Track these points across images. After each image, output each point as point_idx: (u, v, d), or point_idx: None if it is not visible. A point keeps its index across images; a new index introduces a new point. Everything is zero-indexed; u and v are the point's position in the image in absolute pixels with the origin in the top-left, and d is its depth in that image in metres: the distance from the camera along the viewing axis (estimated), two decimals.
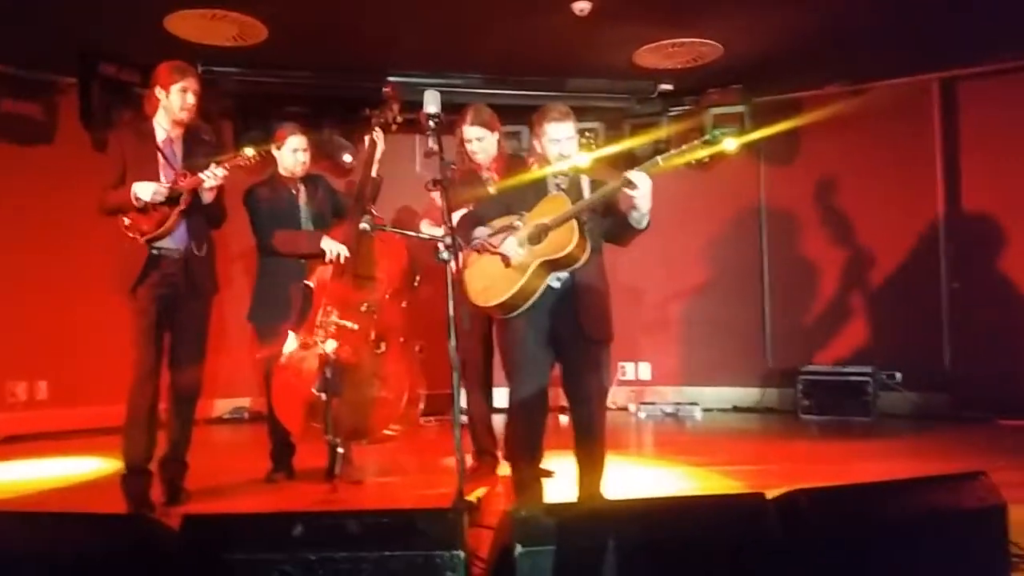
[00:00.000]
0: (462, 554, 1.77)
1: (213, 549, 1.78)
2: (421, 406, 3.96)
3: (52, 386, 5.63)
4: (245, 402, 6.05)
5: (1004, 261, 5.64)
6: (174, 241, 3.32)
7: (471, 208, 3.21)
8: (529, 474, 3.08)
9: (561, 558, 1.79)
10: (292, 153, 3.92)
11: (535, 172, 3.08)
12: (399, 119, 3.79)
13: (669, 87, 6.10)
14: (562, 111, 3.08)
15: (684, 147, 2.81)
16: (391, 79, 3.92)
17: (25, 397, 5.57)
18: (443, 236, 2.61)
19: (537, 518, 1.86)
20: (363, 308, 3.65)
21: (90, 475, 3.48)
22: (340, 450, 3.56)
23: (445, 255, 2.55)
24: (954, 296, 5.83)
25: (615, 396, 6.51)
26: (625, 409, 6.31)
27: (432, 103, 2.77)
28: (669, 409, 6.27)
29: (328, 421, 3.54)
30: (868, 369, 5.72)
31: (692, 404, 6.29)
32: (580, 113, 6.29)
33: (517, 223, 2.93)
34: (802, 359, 6.09)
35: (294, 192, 3.96)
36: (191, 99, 3.34)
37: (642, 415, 6.21)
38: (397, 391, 3.62)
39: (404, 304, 3.79)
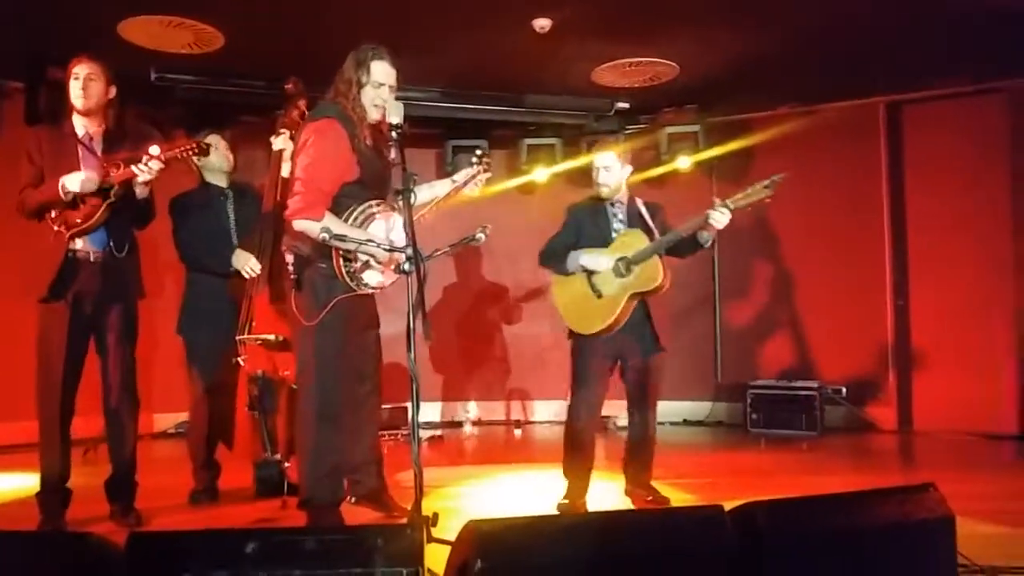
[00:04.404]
0: (420, 570, 1.75)
1: (161, 568, 1.72)
2: None
3: None
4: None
5: (947, 278, 5.83)
6: (92, 242, 3.18)
7: (550, 241, 3.55)
8: (586, 471, 3.49)
9: (520, 573, 1.78)
10: (221, 152, 3.86)
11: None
12: (307, 115, 3.60)
13: (626, 105, 6.19)
14: (605, 144, 3.49)
15: (749, 190, 3.18)
16: (294, 78, 3.72)
17: None
18: (404, 247, 2.58)
19: (497, 532, 1.85)
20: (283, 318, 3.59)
21: (30, 491, 3.35)
22: (287, 465, 3.52)
23: (407, 267, 2.53)
24: (898, 313, 6.01)
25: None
26: None
27: (395, 114, 2.75)
28: (621, 422, 6.30)
29: (264, 438, 3.53)
30: (814, 384, 5.84)
31: None
32: (538, 129, 6.40)
33: (480, 235, 2.90)
34: (751, 374, 6.21)
35: (222, 199, 3.88)
36: (81, 86, 3.17)
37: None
38: None
39: None
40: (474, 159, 3.12)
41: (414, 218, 2.74)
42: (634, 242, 3.35)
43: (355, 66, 2.95)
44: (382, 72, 2.94)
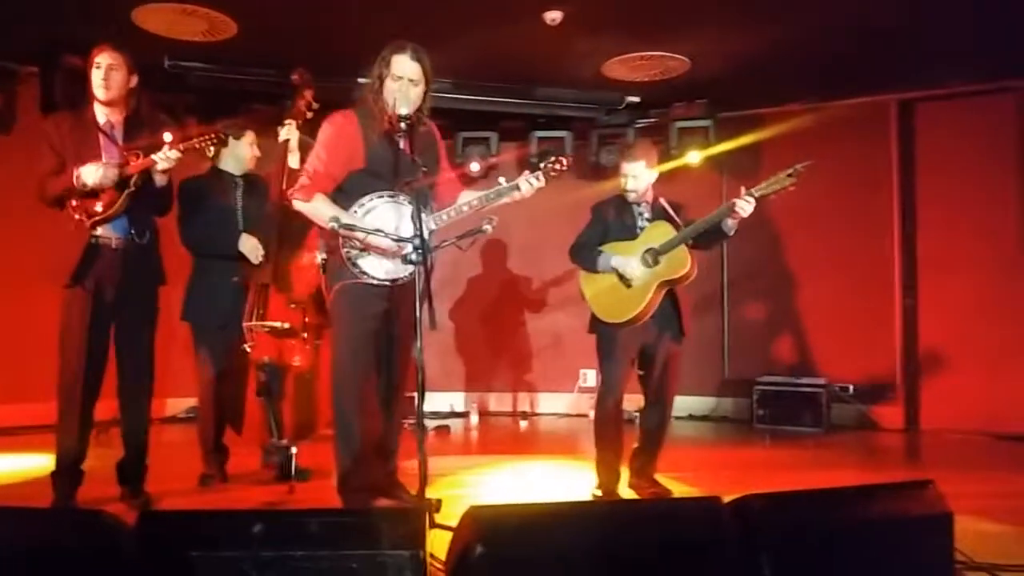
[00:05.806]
0: (422, 554, 1.78)
1: (170, 546, 1.76)
2: None
3: None
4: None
5: (956, 277, 5.81)
6: (114, 229, 3.20)
7: (579, 237, 3.60)
8: (616, 458, 3.54)
9: (521, 559, 1.81)
10: (249, 147, 3.90)
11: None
12: (315, 106, 3.67)
13: (636, 99, 6.18)
14: (635, 152, 3.53)
15: (772, 179, 3.27)
16: (301, 69, 3.79)
17: None
18: (412, 238, 2.61)
19: (497, 518, 1.88)
20: (291, 306, 3.62)
21: (39, 471, 3.41)
22: (294, 450, 3.55)
23: (414, 257, 2.55)
24: (907, 311, 6.00)
25: (577, 403, 6.56)
26: (585, 416, 6.33)
27: (404, 105, 2.76)
28: (627, 416, 6.32)
29: (272, 424, 3.55)
30: (821, 381, 5.85)
31: None
32: (548, 122, 6.40)
33: (487, 226, 2.91)
34: (758, 370, 6.21)
35: (233, 186, 3.89)
36: (103, 75, 3.18)
37: None
38: None
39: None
40: (544, 163, 3.13)
41: (455, 212, 2.97)
42: (661, 233, 3.45)
43: (379, 61, 3.02)
44: (400, 66, 2.96)
